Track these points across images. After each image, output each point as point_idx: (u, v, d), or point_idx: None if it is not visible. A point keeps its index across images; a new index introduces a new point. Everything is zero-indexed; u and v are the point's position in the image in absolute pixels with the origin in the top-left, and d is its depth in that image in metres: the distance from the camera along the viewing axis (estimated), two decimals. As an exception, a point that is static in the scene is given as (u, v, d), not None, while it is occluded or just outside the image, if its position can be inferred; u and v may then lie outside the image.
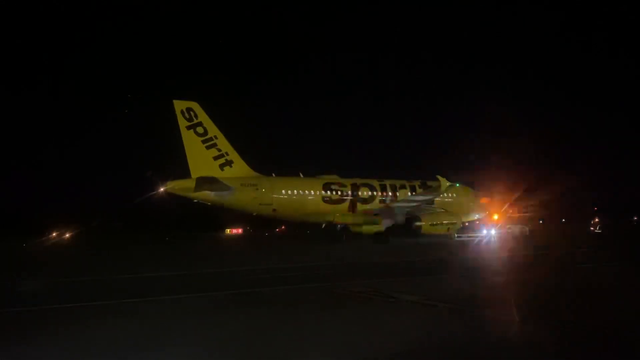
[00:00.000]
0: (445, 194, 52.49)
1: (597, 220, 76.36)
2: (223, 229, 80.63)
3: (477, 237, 54.85)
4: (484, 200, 56.60)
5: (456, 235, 52.49)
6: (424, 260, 27.37)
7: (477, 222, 59.91)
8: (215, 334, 10.22)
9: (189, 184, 41.20)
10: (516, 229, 62.12)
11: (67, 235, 61.29)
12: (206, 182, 40.81)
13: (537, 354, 8.74)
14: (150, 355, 8.72)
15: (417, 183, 51.34)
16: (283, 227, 75.56)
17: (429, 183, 50.89)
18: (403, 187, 50.45)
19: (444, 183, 41.76)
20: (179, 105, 43.03)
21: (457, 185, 44.49)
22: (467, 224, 60.94)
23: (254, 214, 46.04)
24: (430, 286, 16.86)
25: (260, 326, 10.77)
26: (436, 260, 27.48)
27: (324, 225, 49.94)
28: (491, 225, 58.12)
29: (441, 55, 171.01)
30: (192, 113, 43.20)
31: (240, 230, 79.53)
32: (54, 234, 60.12)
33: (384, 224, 46.74)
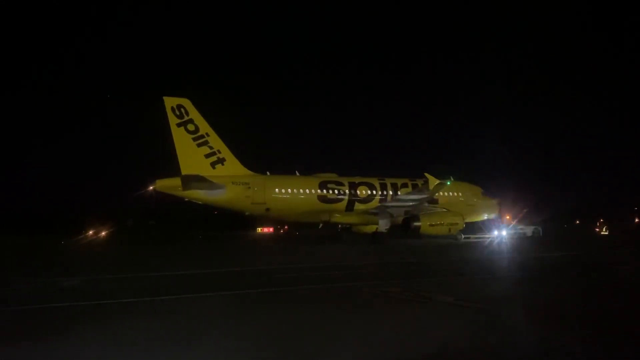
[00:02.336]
0: (452, 193, 50.47)
1: (602, 221, 72.14)
2: (254, 228, 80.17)
3: (486, 238, 52.43)
4: (493, 200, 54.11)
5: (462, 236, 50.16)
6: (446, 262, 26.96)
7: (487, 222, 57.36)
8: (251, 332, 10.23)
9: (176, 182, 40.40)
10: (528, 230, 59.15)
11: (103, 233, 61.84)
12: (192, 180, 39.93)
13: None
14: (184, 350, 8.84)
15: (420, 182, 49.22)
16: (286, 227, 74.24)
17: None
18: (405, 185, 48.46)
19: (432, 181, 39.60)
20: (170, 102, 42.25)
21: (448, 183, 42.15)
22: (481, 223, 58.67)
23: (247, 213, 44.98)
24: (462, 287, 16.90)
25: (295, 325, 10.85)
26: (455, 262, 26.97)
27: (320, 225, 48.51)
28: (502, 225, 55.50)
29: (443, 51, 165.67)
30: (182, 110, 42.37)
31: (271, 229, 78.98)
32: (91, 232, 60.66)
33: (381, 224, 44.91)
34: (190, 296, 14.94)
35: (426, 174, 40.34)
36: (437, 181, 39.62)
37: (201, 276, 20.69)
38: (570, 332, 10.15)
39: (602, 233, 63.80)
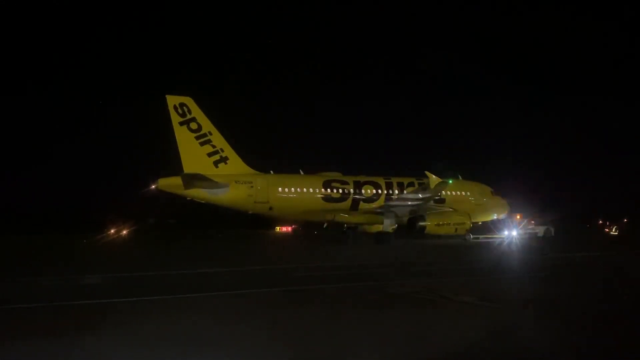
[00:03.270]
0: (460, 192, 49.52)
1: (625, 221, 69.93)
2: (272, 227, 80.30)
3: (496, 238, 51.35)
4: (503, 199, 52.96)
5: (471, 236, 49.14)
6: (459, 262, 26.61)
7: (497, 222, 56.21)
8: (273, 329, 10.27)
9: (178, 181, 40.13)
10: (540, 230, 57.81)
11: (125, 232, 62.10)
12: (193, 179, 39.62)
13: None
14: (210, 349, 8.82)
15: (426, 180, 48.33)
16: (294, 227, 73.88)
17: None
18: (411, 184, 47.53)
19: (433, 180, 38.62)
20: (172, 100, 42.02)
21: (450, 181, 41.13)
22: (491, 223, 57.61)
23: (250, 212, 44.59)
24: (480, 287, 16.71)
25: (317, 323, 10.87)
26: (468, 262, 26.63)
27: (325, 225, 47.95)
28: (513, 225, 54.33)
29: (449, 47, 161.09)
30: (185, 108, 42.12)
31: (289, 229, 79.06)
32: (112, 231, 61.11)
33: (386, 224, 44.11)
34: (224, 294, 15.06)
35: (427, 173, 39.41)
36: (439, 180, 38.64)
37: (227, 274, 21.01)
38: (594, 334, 10.11)
39: (612, 233, 62.06)
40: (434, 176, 38.66)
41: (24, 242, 51.20)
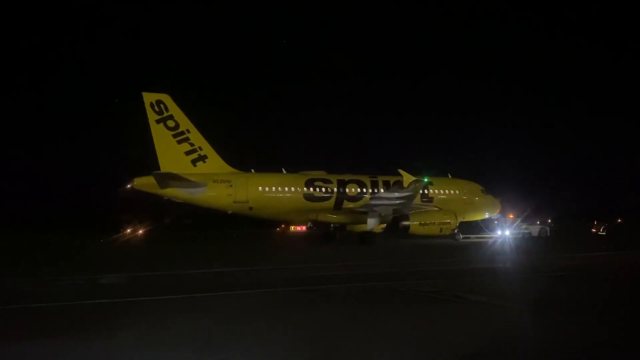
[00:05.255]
0: (448, 191, 48.22)
1: (599, 222, 67.84)
2: (287, 227, 79.93)
3: (488, 237, 49.90)
4: (494, 198, 51.45)
5: (461, 235, 47.70)
6: (458, 262, 25.82)
7: (488, 221, 54.70)
8: (288, 329, 10.22)
9: (152, 180, 39.12)
10: (534, 230, 56.17)
11: (141, 231, 61.58)
12: (166, 178, 38.58)
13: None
14: (225, 349, 8.75)
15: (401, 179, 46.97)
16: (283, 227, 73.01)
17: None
18: (398, 183, 46.27)
19: (407, 178, 37.17)
20: (149, 97, 41.04)
21: (426, 180, 39.65)
22: (482, 223, 56.23)
23: (230, 212, 43.44)
24: (490, 287, 16.53)
25: (331, 323, 10.83)
26: (468, 262, 25.93)
27: (309, 224, 46.76)
28: (505, 225, 52.83)
29: (439, 46, 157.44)
30: (162, 106, 41.13)
31: (304, 228, 78.56)
32: (129, 231, 60.68)
33: (370, 224, 42.80)
34: (226, 293, 14.98)
35: (400, 171, 38.00)
36: (412, 178, 37.19)
37: (244, 273, 20.86)
38: (611, 333, 9.86)
39: (600, 233, 60.20)
40: (407, 174, 37.25)
41: (40, 243, 50.84)
